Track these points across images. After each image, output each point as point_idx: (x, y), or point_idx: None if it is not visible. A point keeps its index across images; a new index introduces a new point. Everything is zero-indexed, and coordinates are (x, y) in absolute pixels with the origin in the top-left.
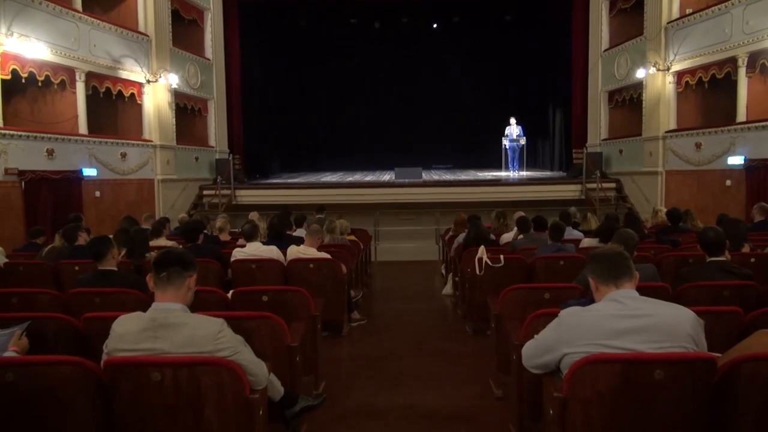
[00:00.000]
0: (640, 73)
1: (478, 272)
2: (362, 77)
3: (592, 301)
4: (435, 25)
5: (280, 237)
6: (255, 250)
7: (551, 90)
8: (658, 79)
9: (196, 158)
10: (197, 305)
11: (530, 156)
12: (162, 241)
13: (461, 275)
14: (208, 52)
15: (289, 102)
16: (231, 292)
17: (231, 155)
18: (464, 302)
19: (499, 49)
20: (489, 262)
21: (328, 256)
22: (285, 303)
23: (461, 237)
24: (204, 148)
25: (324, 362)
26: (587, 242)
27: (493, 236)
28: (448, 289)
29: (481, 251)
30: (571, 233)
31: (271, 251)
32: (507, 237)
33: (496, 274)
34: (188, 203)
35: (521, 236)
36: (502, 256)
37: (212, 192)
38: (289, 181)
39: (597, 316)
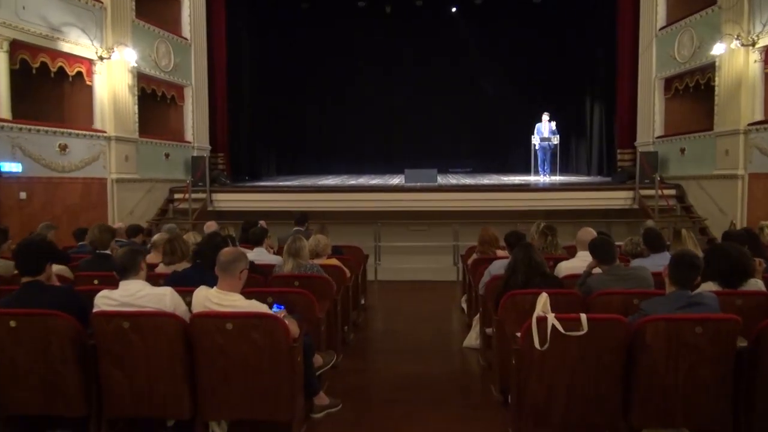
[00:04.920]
0: (717, 49)
1: (538, 346)
2: (371, 67)
3: None
4: (454, 9)
5: (210, 266)
6: (131, 295)
7: (590, 80)
8: (738, 57)
9: (167, 155)
10: None
11: (562, 158)
12: None
13: (500, 336)
14: (185, 30)
15: (286, 94)
16: None
17: (210, 153)
18: (504, 381)
19: (527, 34)
20: (560, 328)
21: (261, 308)
22: None
23: (497, 266)
24: (178, 143)
25: None
26: (713, 285)
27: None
28: (472, 339)
29: (544, 305)
30: None
31: (162, 298)
32: (567, 267)
33: (571, 349)
34: (155, 208)
35: (598, 269)
36: (584, 318)
37: (182, 195)
38: (279, 184)
39: None
